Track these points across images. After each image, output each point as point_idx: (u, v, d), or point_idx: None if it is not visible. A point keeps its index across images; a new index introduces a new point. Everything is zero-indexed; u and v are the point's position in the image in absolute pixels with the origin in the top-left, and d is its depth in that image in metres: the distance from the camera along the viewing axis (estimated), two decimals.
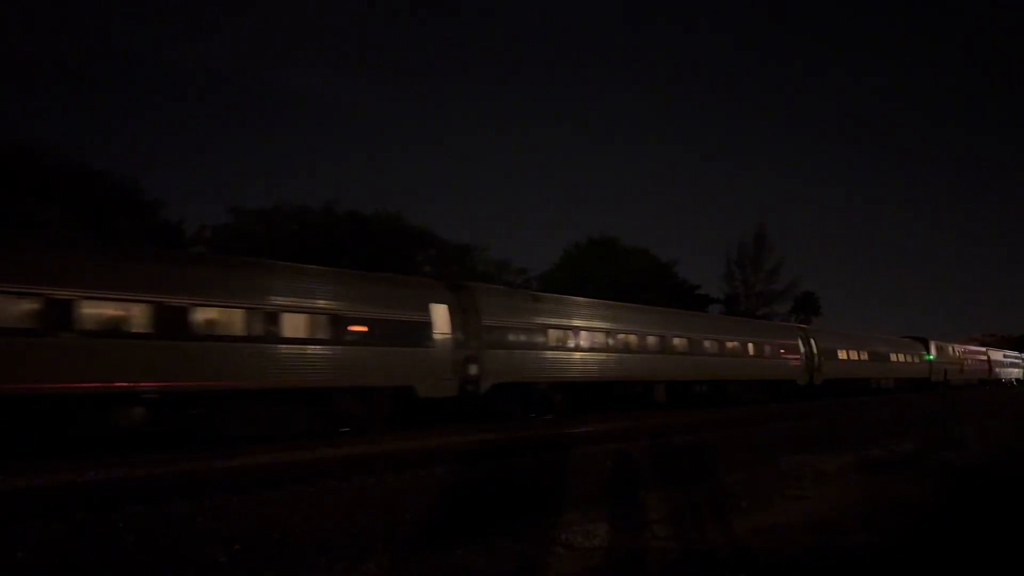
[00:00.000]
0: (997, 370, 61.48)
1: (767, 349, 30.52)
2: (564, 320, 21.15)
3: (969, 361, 53.70)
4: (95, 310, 12.31)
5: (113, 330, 12.53)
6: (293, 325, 14.64)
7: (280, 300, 14.56)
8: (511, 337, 19.30)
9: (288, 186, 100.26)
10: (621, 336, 22.86)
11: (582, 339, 21.32)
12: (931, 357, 46.04)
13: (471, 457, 11.31)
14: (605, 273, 44.89)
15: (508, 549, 5.89)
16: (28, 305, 11.64)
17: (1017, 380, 65.84)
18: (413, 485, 8.70)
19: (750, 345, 29.54)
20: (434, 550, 5.89)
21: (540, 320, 20.31)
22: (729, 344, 28.28)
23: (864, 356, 38.64)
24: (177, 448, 12.27)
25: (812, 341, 33.72)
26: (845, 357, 36.64)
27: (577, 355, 21.13)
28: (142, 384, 12.60)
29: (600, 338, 22.01)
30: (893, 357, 42.09)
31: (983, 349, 61.14)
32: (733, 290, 55.47)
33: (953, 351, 51.36)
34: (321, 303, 15.27)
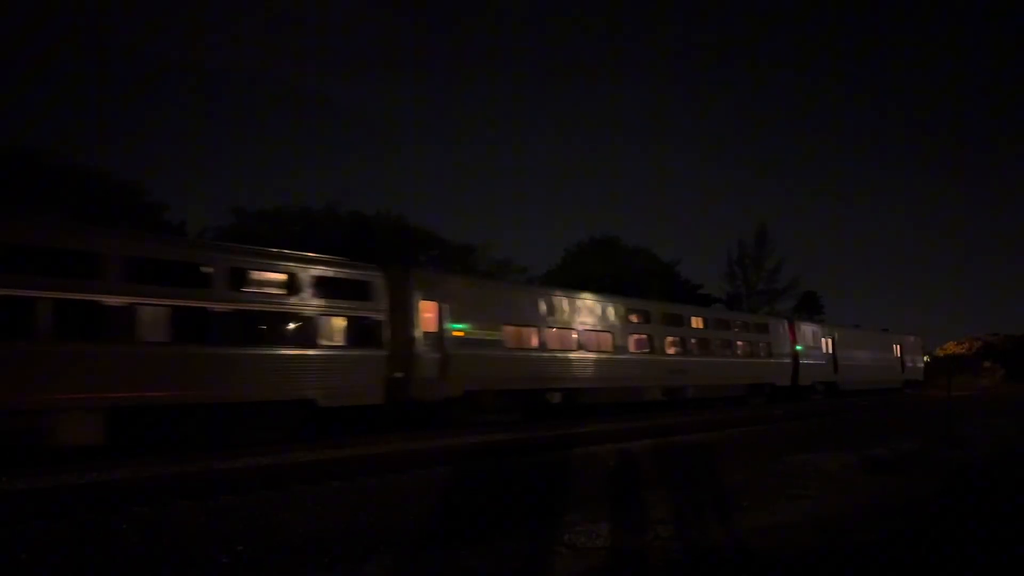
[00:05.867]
0: None
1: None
2: None
3: None
4: None
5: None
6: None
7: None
8: None
9: (290, 187, 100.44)
10: None
11: None
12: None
13: (473, 457, 11.31)
14: (606, 273, 44.86)
15: (510, 549, 5.89)
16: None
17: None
18: (415, 485, 8.70)
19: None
20: (436, 551, 5.90)
21: None
22: None
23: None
24: (182, 451, 12.29)
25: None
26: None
27: None
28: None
29: None
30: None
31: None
32: (735, 289, 55.45)
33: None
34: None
